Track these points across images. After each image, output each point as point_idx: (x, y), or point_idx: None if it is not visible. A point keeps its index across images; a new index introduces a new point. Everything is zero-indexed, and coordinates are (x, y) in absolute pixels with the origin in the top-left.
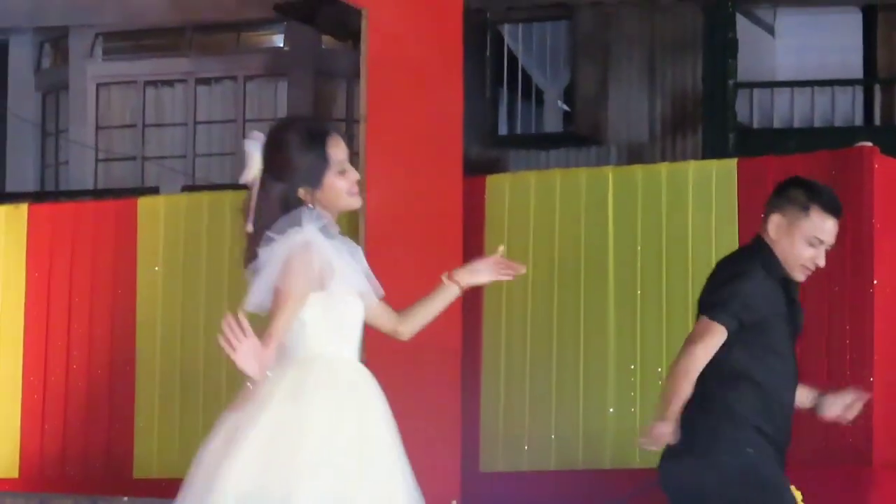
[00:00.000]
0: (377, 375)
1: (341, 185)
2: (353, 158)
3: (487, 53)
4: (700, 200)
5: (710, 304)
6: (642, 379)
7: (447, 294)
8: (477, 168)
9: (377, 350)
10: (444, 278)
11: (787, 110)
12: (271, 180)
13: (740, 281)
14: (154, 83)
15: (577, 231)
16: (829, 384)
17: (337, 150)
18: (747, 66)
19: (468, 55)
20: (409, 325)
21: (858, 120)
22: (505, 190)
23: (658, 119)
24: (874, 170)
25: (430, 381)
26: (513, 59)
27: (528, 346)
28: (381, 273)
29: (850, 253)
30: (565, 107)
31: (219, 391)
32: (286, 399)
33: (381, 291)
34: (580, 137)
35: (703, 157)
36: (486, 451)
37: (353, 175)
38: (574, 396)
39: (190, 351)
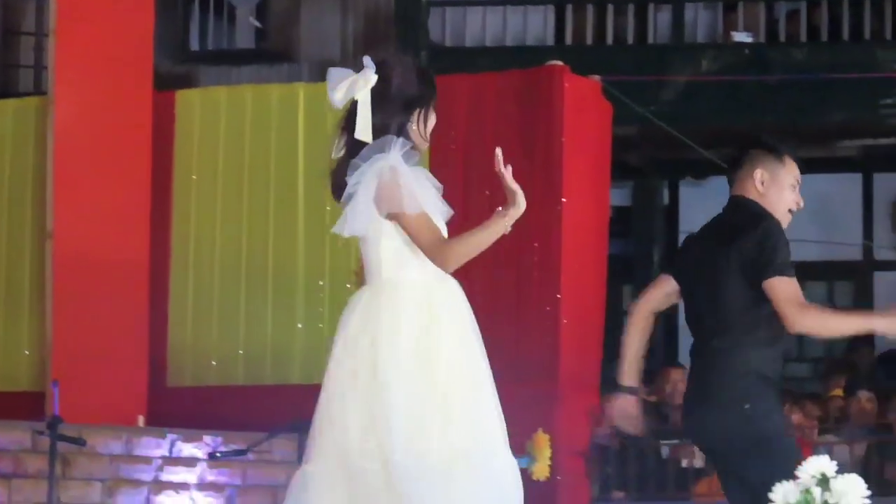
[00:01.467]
0: (63, 290)
1: (430, 123)
2: (42, 73)
3: None
4: None
5: (773, 264)
6: (331, 294)
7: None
8: (168, 83)
9: (64, 266)
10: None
11: (480, 29)
12: (390, 103)
13: (778, 236)
14: None
15: (267, 147)
16: (518, 301)
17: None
18: None
19: None
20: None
21: (550, 40)
22: (195, 105)
23: (350, 37)
24: (564, 88)
25: (116, 295)
26: None
27: (216, 261)
28: (70, 185)
29: (539, 171)
30: (257, 23)
31: None
32: (361, 326)
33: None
34: (272, 54)
35: None
36: (173, 366)
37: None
38: (262, 312)
39: None
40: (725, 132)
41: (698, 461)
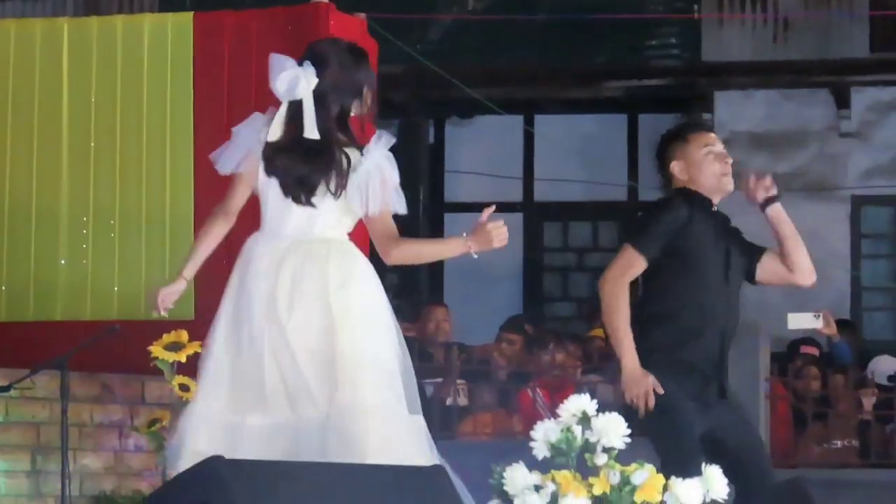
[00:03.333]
0: None
1: (368, 101)
2: None
3: None
4: (155, 53)
5: (631, 231)
6: (94, 231)
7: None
8: None
9: None
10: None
11: None
12: (339, 91)
13: (660, 212)
14: None
15: (31, 82)
16: None
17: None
18: None
19: None
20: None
21: None
22: None
23: None
24: (329, 26)
25: None
26: None
27: None
28: None
29: None
30: None
31: None
32: (316, 278)
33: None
34: None
35: (160, 11)
36: None
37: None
38: (25, 247)
39: None
40: (492, 72)
41: (463, 399)
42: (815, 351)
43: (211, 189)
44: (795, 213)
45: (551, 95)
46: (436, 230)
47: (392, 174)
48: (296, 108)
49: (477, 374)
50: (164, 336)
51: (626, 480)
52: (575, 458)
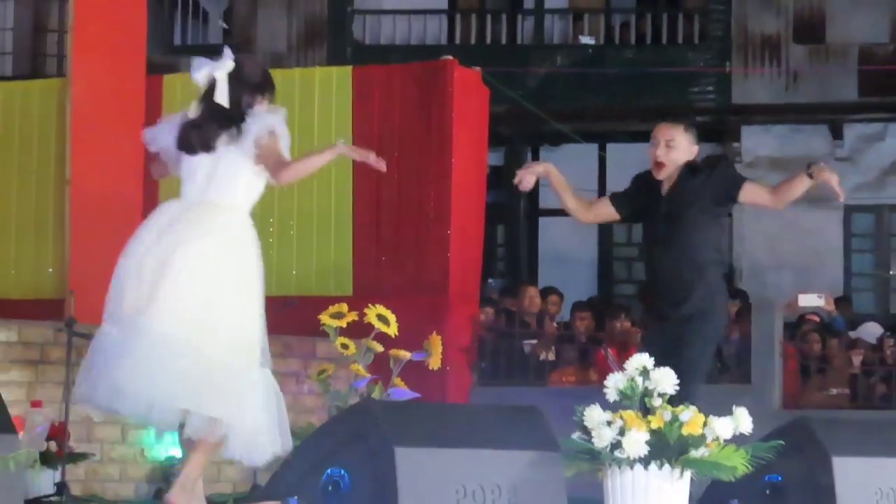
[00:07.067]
0: (78, 223)
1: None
2: (63, 60)
3: None
4: (324, 98)
5: None
6: (279, 229)
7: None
8: (156, 70)
9: (79, 205)
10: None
11: (391, 31)
12: (242, 83)
13: None
14: None
15: None
16: (418, 235)
17: None
18: None
19: None
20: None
21: (443, 40)
22: (178, 87)
23: (294, 35)
24: (454, 77)
25: (116, 226)
26: None
27: None
28: (83, 145)
29: (435, 139)
30: (224, 25)
31: None
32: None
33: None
34: (236, 47)
35: (328, 65)
36: None
37: None
38: None
39: None
40: (574, 111)
41: (552, 356)
42: (816, 318)
43: (365, 196)
44: (801, 219)
45: (619, 129)
46: (533, 229)
47: (278, 124)
48: (210, 87)
49: (563, 337)
50: (330, 307)
51: (675, 418)
52: (637, 401)
